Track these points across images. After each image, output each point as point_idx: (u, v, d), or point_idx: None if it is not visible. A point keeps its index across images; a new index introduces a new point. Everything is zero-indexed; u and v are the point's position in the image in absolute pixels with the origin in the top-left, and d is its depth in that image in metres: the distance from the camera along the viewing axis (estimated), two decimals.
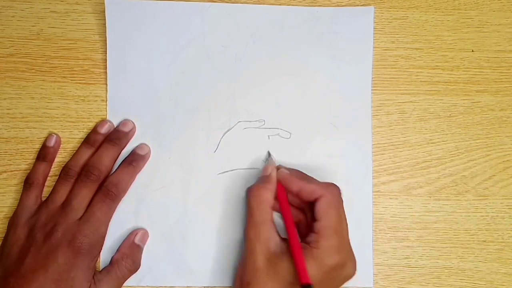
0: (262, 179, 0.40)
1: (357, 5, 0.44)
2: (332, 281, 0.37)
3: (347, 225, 0.38)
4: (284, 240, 0.38)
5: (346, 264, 0.37)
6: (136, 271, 0.41)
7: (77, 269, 0.38)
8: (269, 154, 0.43)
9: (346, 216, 0.38)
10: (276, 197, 0.39)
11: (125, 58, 0.43)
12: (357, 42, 0.44)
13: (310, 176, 0.40)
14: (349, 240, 0.38)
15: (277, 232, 0.38)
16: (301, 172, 0.41)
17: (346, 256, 0.37)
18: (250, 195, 0.38)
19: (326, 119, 0.44)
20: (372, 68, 0.44)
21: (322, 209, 0.37)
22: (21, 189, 0.42)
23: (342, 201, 0.38)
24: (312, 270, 0.35)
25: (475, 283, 0.43)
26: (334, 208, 0.37)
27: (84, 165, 0.41)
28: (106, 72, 0.43)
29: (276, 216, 0.40)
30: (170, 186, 0.43)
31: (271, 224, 0.38)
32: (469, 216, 0.44)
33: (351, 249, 0.38)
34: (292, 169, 0.41)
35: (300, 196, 0.39)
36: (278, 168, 0.40)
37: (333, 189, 0.38)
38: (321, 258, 0.36)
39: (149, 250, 0.42)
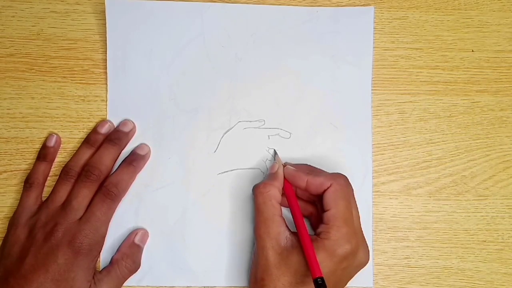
0: (268, 176, 0.40)
1: (357, 5, 0.44)
2: (345, 270, 0.37)
3: (358, 212, 0.39)
4: (294, 234, 0.38)
5: (358, 252, 0.37)
6: (136, 271, 0.41)
7: (77, 269, 0.38)
8: (275, 152, 0.43)
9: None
10: (284, 193, 0.40)
11: (125, 58, 0.43)
12: (357, 42, 0.44)
13: (318, 169, 0.40)
14: (360, 228, 0.38)
15: (287, 226, 0.38)
16: (308, 165, 0.41)
17: (357, 244, 0.37)
18: (256, 192, 0.39)
19: (326, 119, 0.44)
20: (372, 68, 0.44)
21: (330, 199, 0.37)
22: (21, 189, 0.42)
23: (351, 189, 0.39)
24: (324, 261, 0.36)
25: (475, 283, 0.43)
26: (341, 198, 0.37)
27: (84, 165, 0.41)
28: (106, 72, 0.43)
29: (286, 211, 0.40)
30: (170, 186, 0.43)
31: (280, 219, 0.38)
32: (469, 216, 0.44)
33: (363, 237, 0.38)
34: (299, 164, 0.41)
35: (308, 190, 0.39)
36: (285, 165, 0.40)
37: (340, 178, 0.38)
38: (332, 249, 0.36)
39: (149, 250, 0.42)
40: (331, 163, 0.43)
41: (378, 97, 0.44)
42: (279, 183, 0.39)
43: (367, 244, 0.38)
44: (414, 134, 0.44)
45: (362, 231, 0.38)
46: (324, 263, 0.35)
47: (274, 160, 0.42)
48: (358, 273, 0.40)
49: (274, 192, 0.38)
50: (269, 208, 0.38)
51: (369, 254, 0.38)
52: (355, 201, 0.39)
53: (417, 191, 0.44)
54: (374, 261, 0.43)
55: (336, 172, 0.39)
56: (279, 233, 0.37)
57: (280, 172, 0.40)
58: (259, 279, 0.37)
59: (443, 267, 0.43)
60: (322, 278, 0.34)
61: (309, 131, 0.43)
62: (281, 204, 0.39)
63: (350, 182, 0.40)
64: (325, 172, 0.40)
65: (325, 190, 0.38)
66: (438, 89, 0.44)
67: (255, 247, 0.39)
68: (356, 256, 0.37)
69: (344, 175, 0.39)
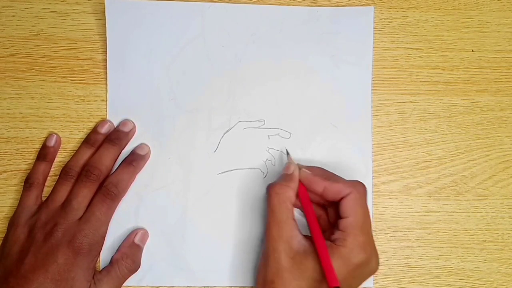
0: (284, 177, 0.39)
1: (357, 5, 0.44)
2: (356, 278, 0.37)
3: (370, 221, 0.38)
4: (306, 238, 0.38)
5: (371, 261, 0.37)
6: (136, 271, 0.41)
7: (77, 269, 0.38)
8: (287, 152, 0.42)
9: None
10: (297, 195, 0.39)
11: (125, 58, 0.43)
12: (357, 42, 0.44)
13: (334, 174, 0.39)
14: (373, 237, 0.38)
15: (299, 230, 0.38)
16: (323, 169, 0.40)
17: (371, 253, 0.37)
18: (272, 192, 0.38)
19: (326, 119, 0.44)
20: (372, 68, 0.44)
21: (349, 206, 0.37)
22: (21, 189, 0.42)
23: (367, 198, 0.38)
24: (338, 268, 0.35)
25: (475, 283, 0.43)
26: (360, 206, 0.37)
27: (84, 165, 0.41)
28: (106, 72, 0.43)
29: (297, 213, 0.40)
30: (170, 186, 0.43)
31: (293, 222, 0.37)
32: (469, 216, 0.44)
33: (375, 246, 0.38)
34: (314, 167, 0.40)
35: (325, 196, 0.38)
36: (300, 167, 0.40)
37: (360, 187, 0.38)
38: (348, 257, 0.36)
39: (149, 250, 0.42)
40: (331, 163, 0.43)
41: (378, 97, 0.44)
42: (294, 185, 0.38)
43: (377, 252, 0.38)
44: (414, 134, 0.44)
45: (373, 240, 0.38)
46: (338, 270, 0.35)
47: (287, 160, 0.41)
48: None
49: (290, 194, 0.38)
50: (284, 210, 0.37)
51: (379, 262, 0.38)
52: (368, 209, 0.38)
53: (417, 191, 0.44)
54: None
55: (355, 179, 0.39)
56: (291, 236, 0.37)
57: (296, 174, 0.39)
58: (269, 281, 0.36)
59: (443, 267, 0.43)
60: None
61: (309, 131, 0.43)
62: (293, 205, 0.39)
63: None
64: (342, 178, 0.39)
65: (343, 197, 0.37)
66: (438, 89, 0.44)
67: (264, 248, 0.38)
68: (369, 264, 0.37)
69: (363, 183, 0.38)
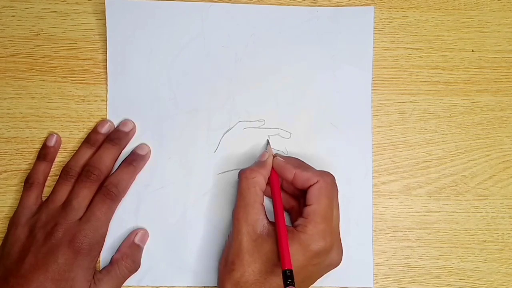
0: (256, 163, 0.40)
1: (357, 5, 0.44)
2: (316, 267, 0.37)
3: (338, 213, 0.39)
4: (271, 223, 0.38)
5: (331, 252, 0.37)
6: (136, 271, 0.41)
7: (77, 269, 0.38)
8: (268, 142, 0.43)
9: (341, 208, 0.39)
10: (269, 183, 0.40)
11: (125, 58, 0.43)
12: (357, 42, 0.44)
13: (306, 164, 0.40)
14: (338, 229, 0.39)
15: (266, 215, 0.39)
16: (298, 159, 0.41)
17: (331, 243, 0.37)
18: (242, 177, 0.39)
19: (326, 119, 0.44)
20: (372, 68, 0.44)
21: (313, 195, 0.38)
22: (22, 189, 0.42)
23: (336, 190, 0.39)
24: (296, 254, 0.36)
25: (475, 283, 0.43)
26: (325, 195, 0.38)
27: (85, 165, 0.41)
28: (106, 72, 0.43)
29: (268, 201, 0.41)
30: (170, 186, 0.43)
31: (260, 206, 0.38)
32: (469, 216, 0.44)
33: (339, 238, 0.39)
34: (290, 157, 0.41)
35: (294, 183, 0.39)
36: (275, 156, 0.41)
37: (327, 177, 0.39)
38: (307, 243, 0.36)
39: (149, 250, 0.42)
40: (331, 163, 0.43)
41: (378, 97, 0.44)
42: (266, 172, 0.39)
43: (341, 245, 0.39)
44: (414, 134, 0.44)
45: (339, 232, 0.39)
46: (296, 256, 0.36)
47: (266, 149, 0.42)
48: (358, 273, 0.40)
49: (259, 179, 0.39)
50: (252, 194, 0.38)
51: (342, 255, 0.39)
52: (338, 202, 0.39)
53: (417, 191, 0.44)
54: (374, 261, 0.43)
55: (325, 170, 0.39)
56: (257, 220, 0.38)
57: (269, 161, 0.40)
58: (229, 262, 0.37)
59: (443, 267, 0.43)
60: (291, 271, 0.34)
61: (309, 131, 0.43)
62: (264, 194, 0.39)
63: (350, 182, 0.40)
64: (314, 168, 0.40)
65: (310, 186, 0.38)
66: (438, 89, 0.44)
67: (230, 231, 0.39)
68: (329, 254, 0.37)
69: (332, 174, 0.39)
